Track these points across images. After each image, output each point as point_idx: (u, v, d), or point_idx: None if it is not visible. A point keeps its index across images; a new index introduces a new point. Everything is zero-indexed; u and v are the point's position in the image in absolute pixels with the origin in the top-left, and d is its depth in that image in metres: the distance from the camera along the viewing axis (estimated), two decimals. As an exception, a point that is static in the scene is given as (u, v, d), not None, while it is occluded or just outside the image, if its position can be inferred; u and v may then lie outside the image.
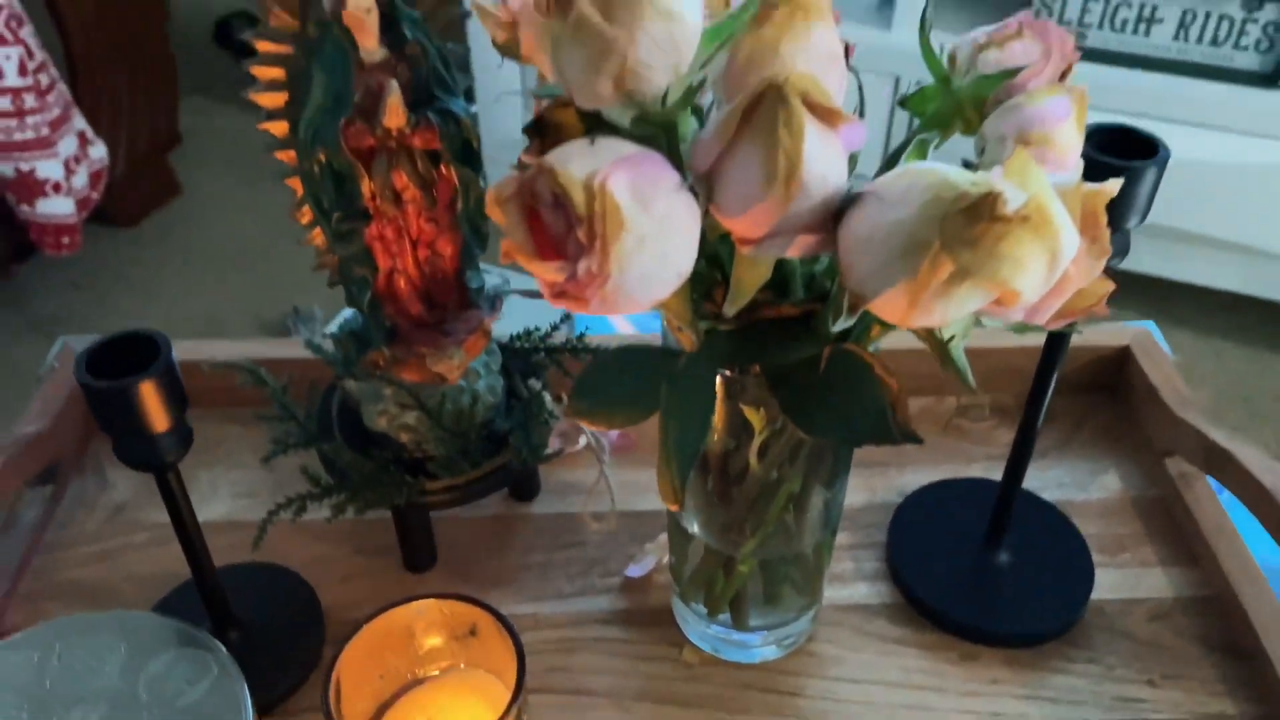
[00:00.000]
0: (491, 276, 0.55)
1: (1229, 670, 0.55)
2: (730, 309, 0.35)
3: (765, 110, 0.31)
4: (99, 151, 1.65)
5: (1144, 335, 0.70)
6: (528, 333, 0.61)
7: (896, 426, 0.38)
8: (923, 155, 0.35)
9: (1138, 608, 0.59)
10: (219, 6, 2.46)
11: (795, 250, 0.33)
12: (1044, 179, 0.31)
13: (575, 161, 0.31)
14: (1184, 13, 1.47)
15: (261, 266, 1.78)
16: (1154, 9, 1.48)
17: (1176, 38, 1.49)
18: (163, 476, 0.47)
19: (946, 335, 0.37)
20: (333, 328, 0.63)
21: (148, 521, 0.63)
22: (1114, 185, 0.35)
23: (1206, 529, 0.60)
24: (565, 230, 0.31)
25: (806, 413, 0.39)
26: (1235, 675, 0.55)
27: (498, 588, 0.59)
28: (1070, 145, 0.40)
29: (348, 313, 0.55)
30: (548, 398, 0.57)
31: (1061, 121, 0.40)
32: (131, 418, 0.43)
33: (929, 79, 0.43)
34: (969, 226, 0.29)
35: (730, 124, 0.32)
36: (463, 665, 0.49)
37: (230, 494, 0.64)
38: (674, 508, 0.37)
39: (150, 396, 0.43)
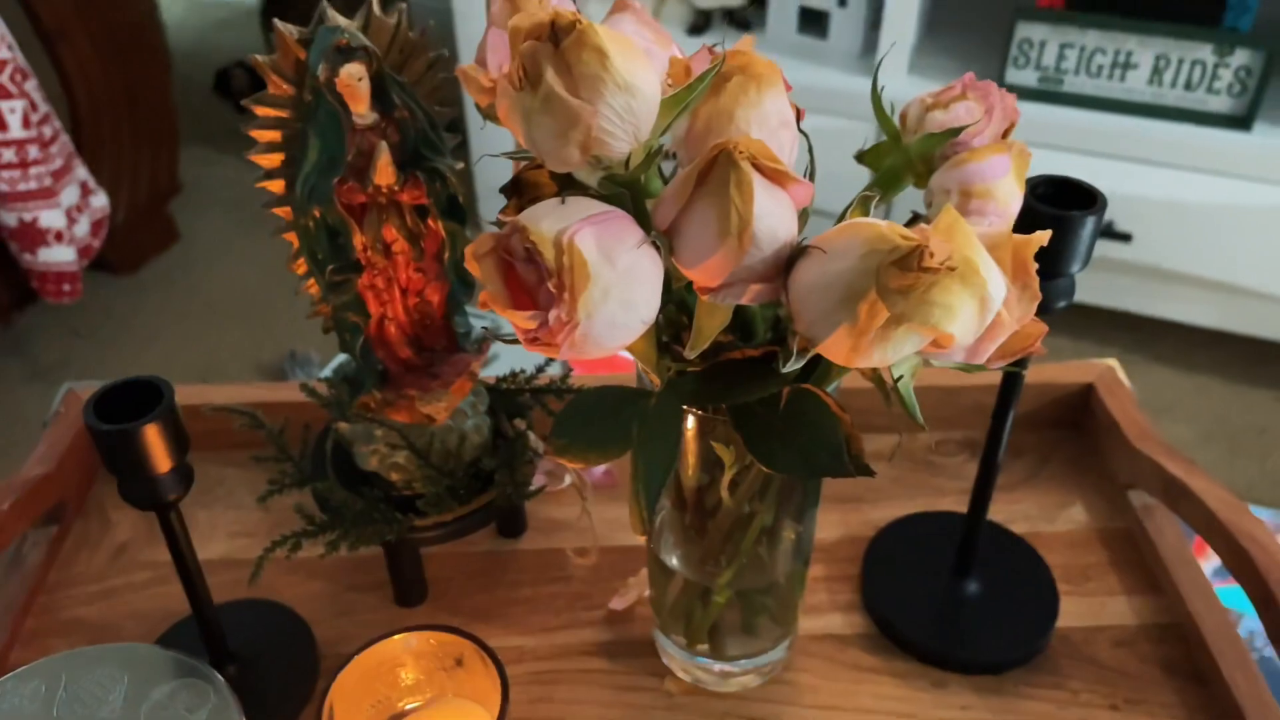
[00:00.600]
0: (483, 320, 0.58)
1: (1189, 695, 0.58)
2: (691, 352, 0.38)
3: (718, 172, 0.34)
4: (100, 200, 1.69)
5: (1107, 371, 0.72)
6: (514, 374, 0.64)
7: (850, 460, 0.41)
8: (865, 212, 0.38)
9: (1102, 635, 0.61)
10: (219, 57, 2.52)
11: (749, 298, 0.36)
12: (969, 232, 0.34)
13: (546, 220, 0.34)
14: (1158, 58, 1.51)
15: (259, 313, 1.81)
16: (1129, 55, 1.52)
17: (1151, 82, 1.53)
18: (165, 515, 0.50)
19: (896, 374, 0.39)
20: (327, 372, 0.66)
21: (148, 561, 0.65)
22: (1042, 235, 0.38)
23: (1168, 558, 0.63)
24: (537, 282, 0.34)
25: (768, 449, 0.42)
26: (1195, 700, 0.57)
27: (486, 621, 0.61)
28: (1010, 197, 0.44)
29: (342, 358, 0.57)
30: (532, 437, 0.59)
31: (1002, 176, 0.43)
32: (136, 459, 0.46)
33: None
34: (901, 276, 0.32)
35: (687, 185, 0.35)
36: (450, 695, 0.51)
37: (228, 533, 0.67)
38: (642, 538, 0.40)
39: (154, 439, 0.46)
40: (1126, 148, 1.54)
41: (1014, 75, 1.59)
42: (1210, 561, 0.98)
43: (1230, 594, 0.67)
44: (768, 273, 0.36)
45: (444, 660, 0.50)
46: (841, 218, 0.44)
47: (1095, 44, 1.54)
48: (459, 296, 0.54)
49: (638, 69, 0.33)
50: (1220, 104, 1.52)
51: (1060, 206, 0.47)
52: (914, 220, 0.45)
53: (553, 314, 0.34)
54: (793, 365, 0.36)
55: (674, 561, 0.55)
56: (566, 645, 0.60)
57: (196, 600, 0.53)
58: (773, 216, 0.35)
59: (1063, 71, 1.57)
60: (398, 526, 0.55)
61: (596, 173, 0.37)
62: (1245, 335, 1.65)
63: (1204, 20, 1.50)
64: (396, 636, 0.49)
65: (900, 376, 0.40)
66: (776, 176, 0.35)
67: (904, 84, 1.60)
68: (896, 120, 0.47)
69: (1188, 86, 1.52)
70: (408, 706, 0.51)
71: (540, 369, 0.65)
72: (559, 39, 0.33)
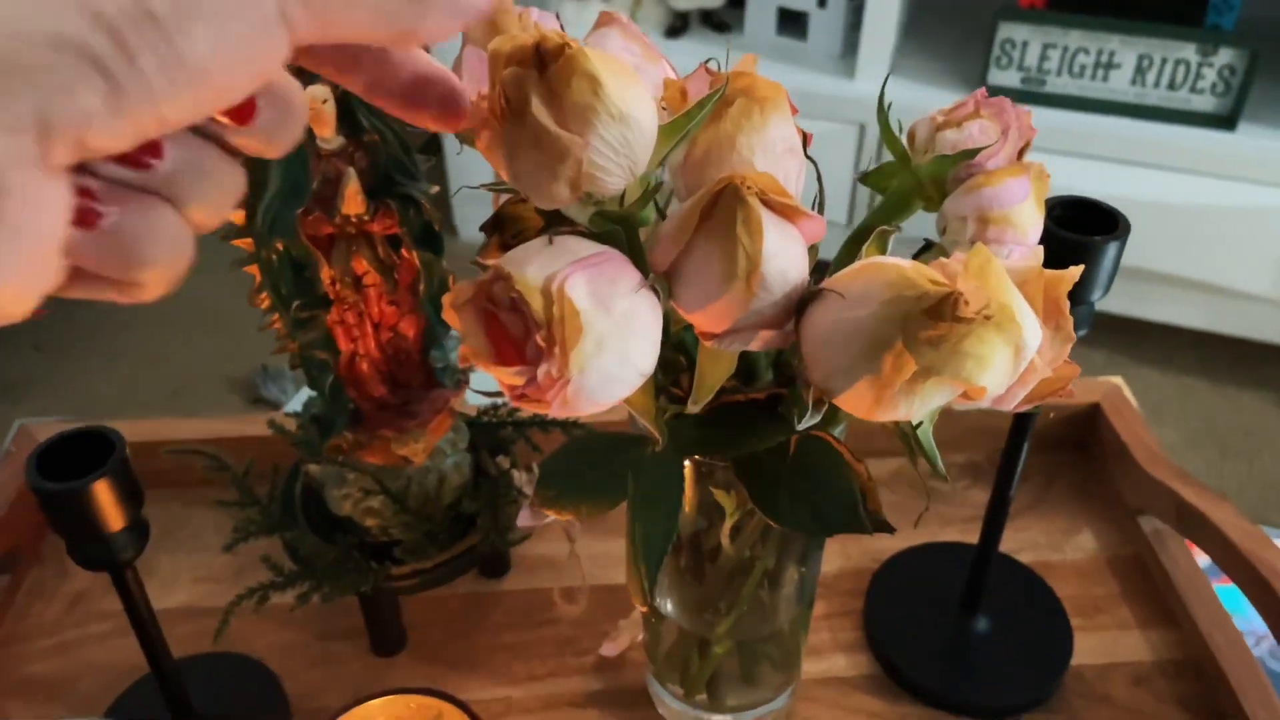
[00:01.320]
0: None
1: (1211, 734, 0.55)
2: (695, 405, 0.34)
3: (723, 209, 0.31)
4: (62, 213, 1.64)
5: (1114, 391, 0.70)
6: (495, 407, 0.61)
7: (868, 516, 0.38)
8: (883, 249, 0.35)
9: (1116, 672, 0.58)
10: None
11: (758, 344, 0.33)
12: (1003, 274, 0.30)
13: (532, 265, 0.30)
14: (1141, 58, 1.49)
15: (227, 325, 1.76)
16: (1111, 54, 1.50)
17: (1134, 82, 1.51)
18: (119, 576, 0.46)
19: (915, 422, 0.36)
20: (295, 405, 0.62)
21: (107, 610, 0.61)
22: (1075, 271, 0.35)
23: (1182, 588, 0.60)
24: (524, 334, 0.31)
25: (775, 503, 0.38)
26: (1217, 740, 0.55)
27: (469, 671, 0.58)
28: (1030, 224, 0.40)
29: (308, 391, 0.54)
30: (516, 475, 0.56)
31: (1021, 201, 0.40)
32: (85, 519, 0.42)
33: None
34: (931, 326, 0.29)
35: (689, 223, 0.32)
36: (432, 760, 0.47)
37: (191, 579, 0.63)
38: (643, 609, 0.36)
39: (104, 496, 0.42)
40: (1110, 148, 1.53)
41: (996, 76, 1.56)
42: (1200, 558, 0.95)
43: (1226, 593, 0.64)
44: (778, 317, 0.33)
45: (425, 722, 0.47)
46: (853, 245, 0.41)
47: (1078, 44, 1.52)
48: (435, 330, 0.51)
49: (633, 96, 0.30)
50: (1204, 103, 1.50)
51: (1079, 229, 0.44)
52: (927, 248, 0.42)
53: (541, 369, 0.30)
54: (809, 421, 0.32)
55: (668, 608, 0.51)
56: (554, 695, 0.57)
57: (156, 662, 0.50)
58: (783, 256, 0.32)
59: (1045, 72, 1.55)
60: (373, 576, 0.52)
61: (587, 209, 0.33)
62: (1231, 336, 1.63)
63: (1187, 19, 1.49)
64: (372, 702, 0.45)
65: (920, 424, 0.37)
66: (787, 212, 0.32)
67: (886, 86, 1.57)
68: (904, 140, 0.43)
69: (1171, 86, 1.51)
70: (387, 774, 0.47)
71: (523, 400, 0.61)
72: (545, 64, 0.30)
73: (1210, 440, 1.57)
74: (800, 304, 0.33)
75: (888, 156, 0.43)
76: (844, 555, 0.64)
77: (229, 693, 0.55)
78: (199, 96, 0.20)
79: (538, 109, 0.29)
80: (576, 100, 0.29)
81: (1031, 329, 0.31)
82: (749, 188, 0.30)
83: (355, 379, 0.50)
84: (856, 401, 0.31)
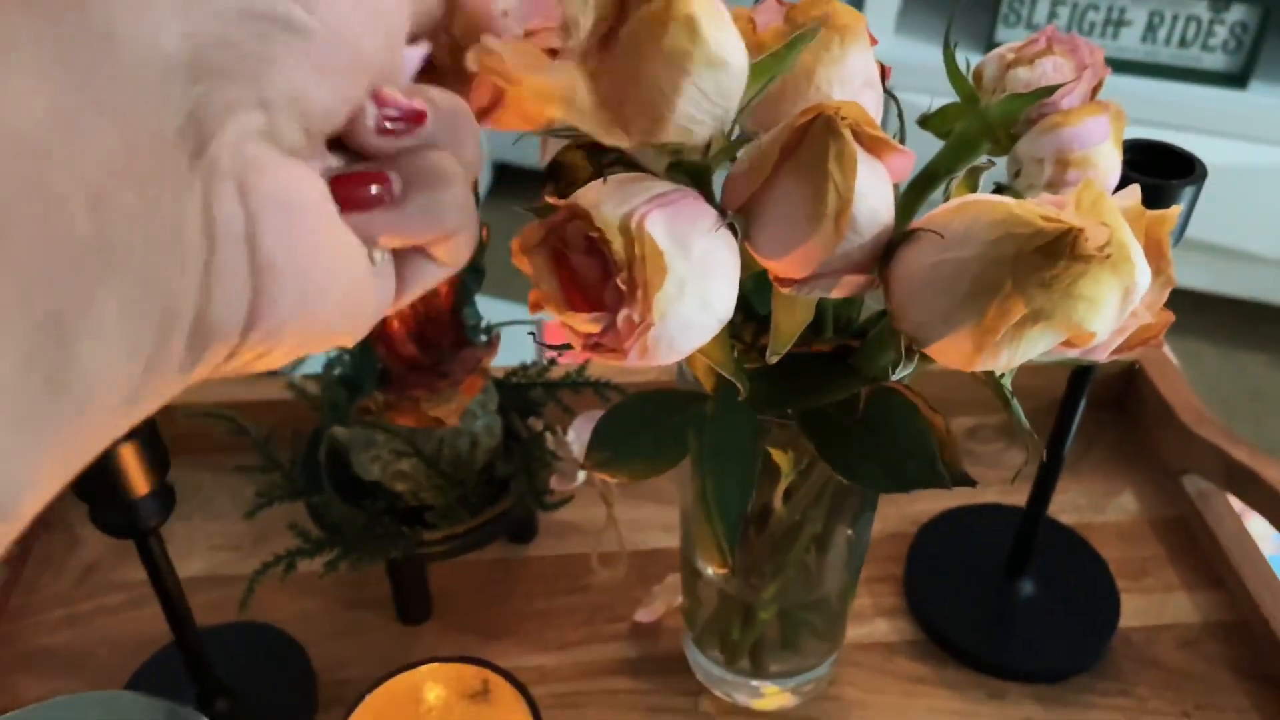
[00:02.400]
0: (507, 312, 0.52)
1: (1263, 698, 0.54)
2: (773, 356, 0.32)
3: (812, 143, 0.29)
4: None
5: (1154, 349, 0.68)
6: (524, 366, 0.58)
7: (948, 470, 0.36)
8: (974, 187, 0.33)
9: (1165, 634, 0.57)
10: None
11: (842, 290, 0.31)
12: (1116, 211, 0.28)
13: (607, 203, 0.28)
14: (1151, 14, 1.47)
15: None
16: (1122, 11, 1.48)
17: (1145, 40, 1.49)
18: (144, 543, 0.43)
19: (999, 373, 0.34)
20: (316, 366, 0.60)
21: (121, 581, 0.59)
22: (1176, 211, 0.33)
23: (1229, 549, 0.59)
24: (600, 278, 0.28)
25: (846, 459, 0.36)
26: (1271, 703, 0.53)
27: (499, 639, 0.56)
28: (1111, 166, 0.38)
29: (332, 353, 0.51)
30: (549, 437, 0.54)
31: (1101, 142, 0.38)
32: (111, 484, 0.40)
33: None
34: (1045, 266, 0.27)
35: (769, 158, 0.29)
36: (473, 730, 0.45)
37: (209, 547, 0.61)
38: (724, 571, 0.34)
39: (130, 460, 0.40)
40: (1125, 109, 1.50)
41: (1004, 34, 1.54)
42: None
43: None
44: (864, 261, 0.30)
45: (466, 690, 0.45)
46: (919, 189, 0.39)
47: (1088, 0, 1.49)
48: (469, 285, 0.48)
49: (729, 40, 0.28)
50: (1215, 61, 1.48)
51: (1154, 174, 0.42)
52: (999, 192, 0.40)
53: (622, 315, 0.28)
54: (903, 372, 0.30)
55: (710, 572, 0.50)
56: (590, 663, 0.55)
57: (181, 632, 0.47)
58: (873, 195, 0.29)
59: (1054, 30, 1.53)
60: (404, 542, 0.50)
61: (663, 157, 0.31)
62: (1238, 298, 1.62)
63: (1199, -25, 1.46)
64: (419, 669, 0.43)
65: (1002, 375, 0.35)
66: (876, 146, 0.30)
67: (891, 44, 1.55)
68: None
69: (1182, 43, 1.48)
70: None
71: (553, 360, 0.59)
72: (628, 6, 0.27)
73: (1216, 404, 1.56)
74: (889, 247, 0.31)
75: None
76: (882, 518, 0.62)
77: (254, 664, 0.53)
78: (387, 24, 0.20)
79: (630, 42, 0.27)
80: (672, 46, 0.27)
81: (1143, 271, 0.29)
82: (844, 119, 0.28)
83: (384, 338, 0.48)
84: (954, 350, 0.29)
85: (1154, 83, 1.50)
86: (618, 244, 0.27)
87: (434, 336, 0.49)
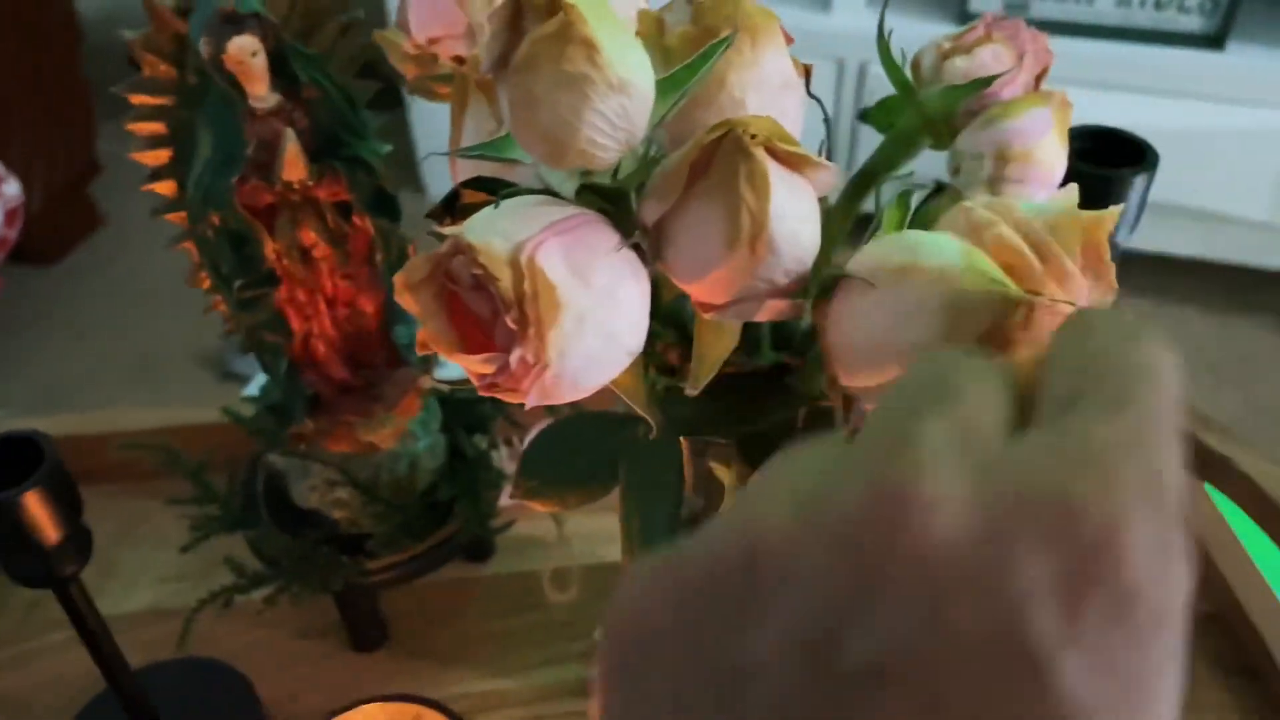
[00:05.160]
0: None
1: (1243, 693, 0.52)
2: (694, 386, 0.30)
3: (722, 163, 0.27)
4: (13, 189, 1.56)
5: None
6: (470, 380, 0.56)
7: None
8: (903, 214, 0.30)
9: (1142, 631, 0.55)
10: (133, 23, 2.37)
11: (766, 315, 0.29)
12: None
13: (497, 233, 0.26)
14: (1125, -22, 1.44)
15: (196, 297, 1.70)
16: (1095, -24, 1.45)
17: (1120, 4, 1.46)
18: (63, 591, 0.42)
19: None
20: (253, 389, 0.58)
21: (66, 619, 0.57)
22: (1115, 211, 0.30)
23: (1206, 540, 0.57)
24: (491, 315, 0.26)
25: (784, 483, 0.34)
26: (1251, 698, 0.52)
27: (456, 663, 0.54)
28: (1054, 160, 0.36)
29: (261, 376, 0.49)
30: (496, 455, 0.52)
31: (1044, 135, 0.36)
32: (18, 534, 0.38)
33: (872, 62, 0.38)
34: (1009, 336, 0.24)
35: (679, 178, 0.27)
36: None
37: (155, 579, 0.59)
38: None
39: (36, 508, 0.38)
40: (1096, 73, 1.48)
41: (977, 2, 1.51)
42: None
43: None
44: (790, 284, 0.28)
45: (408, 730, 0.43)
46: (861, 186, 0.37)
47: (1061, -34, 1.46)
48: (396, 305, 0.46)
49: (633, 59, 0.26)
50: (1191, 23, 1.45)
51: (1101, 162, 0.40)
52: (939, 191, 0.38)
53: (514, 355, 0.26)
54: (839, 428, 0.28)
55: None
56: (550, 686, 0.53)
57: (114, 678, 0.46)
58: (793, 214, 0.27)
59: (1028, -4, 1.50)
60: (345, 572, 0.48)
61: (572, 179, 0.29)
62: (1224, 263, 1.60)
63: (1173, -65, 1.43)
64: (356, 711, 0.42)
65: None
66: (794, 162, 0.28)
67: (863, 17, 1.52)
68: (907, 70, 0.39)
69: (1157, 6, 1.46)
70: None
71: (499, 372, 0.57)
72: (531, 22, 0.25)
73: (1204, 370, 1.54)
74: (824, 286, 0.28)
75: (874, 94, 0.38)
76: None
77: (198, 701, 0.51)
78: None
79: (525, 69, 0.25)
80: (569, 70, 0.25)
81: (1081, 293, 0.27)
82: (753, 136, 0.26)
83: (312, 362, 0.46)
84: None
85: (1130, 47, 1.47)
86: (505, 280, 0.25)
87: (365, 357, 0.47)
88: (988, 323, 0.24)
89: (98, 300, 1.73)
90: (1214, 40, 1.45)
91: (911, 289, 0.25)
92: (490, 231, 0.26)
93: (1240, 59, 1.45)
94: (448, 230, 0.27)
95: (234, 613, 0.55)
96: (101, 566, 0.60)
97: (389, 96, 0.44)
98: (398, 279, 0.26)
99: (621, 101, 0.26)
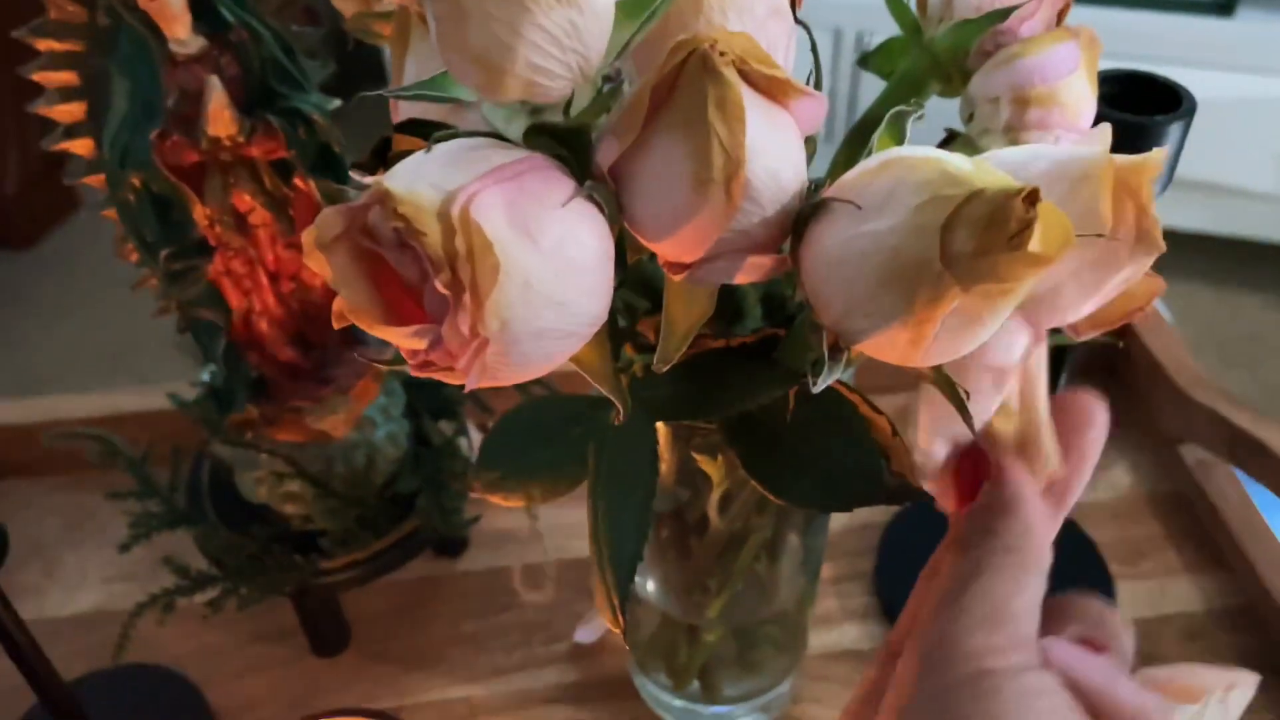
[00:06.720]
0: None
1: (1277, 692, 0.48)
2: (662, 361, 0.26)
3: (687, 89, 0.22)
4: (-15, 171, 1.52)
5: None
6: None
7: (893, 482, 0.30)
8: (899, 137, 0.26)
9: (1167, 626, 0.51)
10: None
11: (745, 276, 0.24)
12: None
13: (425, 181, 0.22)
14: (1131, -58, 1.39)
15: (175, 281, 1.66)
16: (1100, -59, 1.40)
17: (1125, -30, 1.41)
18: (-27, 600, 0.37)
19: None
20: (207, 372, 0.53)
21: (2, 622, 0.53)
22: (1158, 155, 0.26)
23: (1234, 526, 0.53)
24: (420, 279, 0.22)
25: (776, 473, 0.30)
26: (1285, 698, 0.48)
27: (424, 668, 0.50)
28: (1082, 103, 0.32)
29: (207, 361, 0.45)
30: (464, 443, 0.48)
31: (1069, 74, 0.31)
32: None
33: (870, 31, 0.34)
34: (989, 236, 0.20)
35: (639, 110, 0.23)
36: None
37: (101, 579, 0.55)
38: (615, 630, 0.28)
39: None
40: (1104, 40, 1.43)
41: (977, -30, 1.46)
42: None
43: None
44: (770, 237, 0.24)
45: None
46: (854, 145, 0.32)
47: (1064, -70, 1.41)
48: (349, 277, 0.41)
49: None
50: (1200, -11, 1.41)
51: (1134, 110, 0.36)
52: (951, 139, 0.33)
53: (447, 327, 0.21)
54: (827, 378, 0.24)
55: (649, 588, 0.44)
56: (524, 692, 0.49)
57: (42, 689, 0.41)
58: (773, 151, 0.23)
59: (1030, -37, 1.45)
60: (297, 573, 0.43)
61: (518, 118, 0.24)
62: (1232, 237, 1.56)
63: (1180, -103, 1.38)
64: (299, 730, 0.38)
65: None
66: (774, 89, 0.23)
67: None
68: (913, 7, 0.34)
69: (1164, -28, 1.41)
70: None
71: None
72: None
73: (1212, 347, 1.50)
74: (799, 220, 0.24)
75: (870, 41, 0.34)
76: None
77: (141, 712, 0.47)
78: None
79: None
80: None
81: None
82: (722, 54, 0.21)
83: (254, 342, 0.41)
84: (889, 347, 0.23)
85: (1138, 14, 1.42)
86: (433, 235, 0.21)
87: (315, 337, 0.43)
88: (985, 219, 0.20)
89: (73, 286, 1.68)
90: (1224, 7, 1.40)
91: (895, 184, 0.21)
92: (417, 178, 0.22)
93: (1250, 25, 1.40)
94: (370, 180, 0.22)
95: (183, 615, 0.51)
96: (45, 566, 0.56)
97: (327, 45, 0.39)
98: (305, 236, 0.22)
99: (569, 15, 0.21)
